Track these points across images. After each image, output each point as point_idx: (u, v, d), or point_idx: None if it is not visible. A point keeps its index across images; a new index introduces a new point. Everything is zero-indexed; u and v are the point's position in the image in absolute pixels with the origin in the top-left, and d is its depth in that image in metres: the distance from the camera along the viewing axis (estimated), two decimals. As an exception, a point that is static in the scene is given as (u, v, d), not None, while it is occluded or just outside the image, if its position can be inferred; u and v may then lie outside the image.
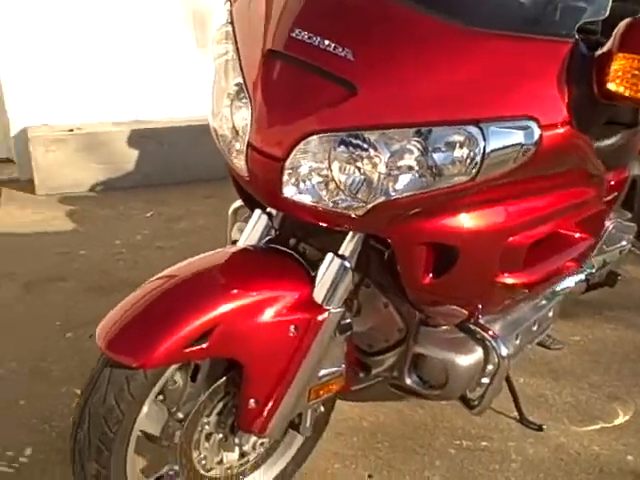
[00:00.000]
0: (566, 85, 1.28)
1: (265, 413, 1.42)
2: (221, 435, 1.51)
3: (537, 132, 1.26)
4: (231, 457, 1.56)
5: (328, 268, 1.42)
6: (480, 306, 1.58)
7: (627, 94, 1.25)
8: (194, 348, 1.30)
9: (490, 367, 1.59)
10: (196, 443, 1.48)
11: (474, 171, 1.24)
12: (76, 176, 3.83)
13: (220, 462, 1.54)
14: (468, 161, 1.23)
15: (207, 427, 1.47)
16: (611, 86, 1.25)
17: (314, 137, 1.25)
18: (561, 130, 1.30)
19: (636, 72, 1.23)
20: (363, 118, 1.24)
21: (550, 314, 1.84)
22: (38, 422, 2.01)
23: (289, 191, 1.29)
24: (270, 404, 1.42)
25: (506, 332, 1.66)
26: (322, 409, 1.63)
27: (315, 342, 1.42)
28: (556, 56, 1.27)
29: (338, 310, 1.43)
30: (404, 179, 1.25)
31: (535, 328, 1.78)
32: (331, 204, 1.28)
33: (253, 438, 1.54)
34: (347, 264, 1.42)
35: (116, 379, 1.32)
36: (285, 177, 1.28)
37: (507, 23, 1.29)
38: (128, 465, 1.39)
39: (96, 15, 3.83)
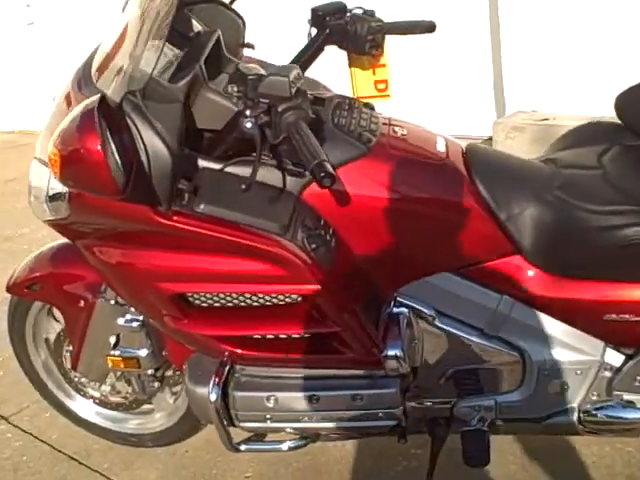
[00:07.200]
0: None
1: (74, 356, 1.99)
2: None
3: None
4: (103, 388, 2.12)
5: None
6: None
7: None
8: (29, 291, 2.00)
9: None
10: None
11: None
12: None
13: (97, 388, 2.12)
14: None
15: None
16: None
17: None
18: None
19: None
20: None
21: (347, 393, 1.65)
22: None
23: None
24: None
25: (246, 383, 1.70)
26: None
27: None
28: None
29: None
30: None
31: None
32: None
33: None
34: None
35: None
36: None
37: None
38: (34, 359, 2.16)
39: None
